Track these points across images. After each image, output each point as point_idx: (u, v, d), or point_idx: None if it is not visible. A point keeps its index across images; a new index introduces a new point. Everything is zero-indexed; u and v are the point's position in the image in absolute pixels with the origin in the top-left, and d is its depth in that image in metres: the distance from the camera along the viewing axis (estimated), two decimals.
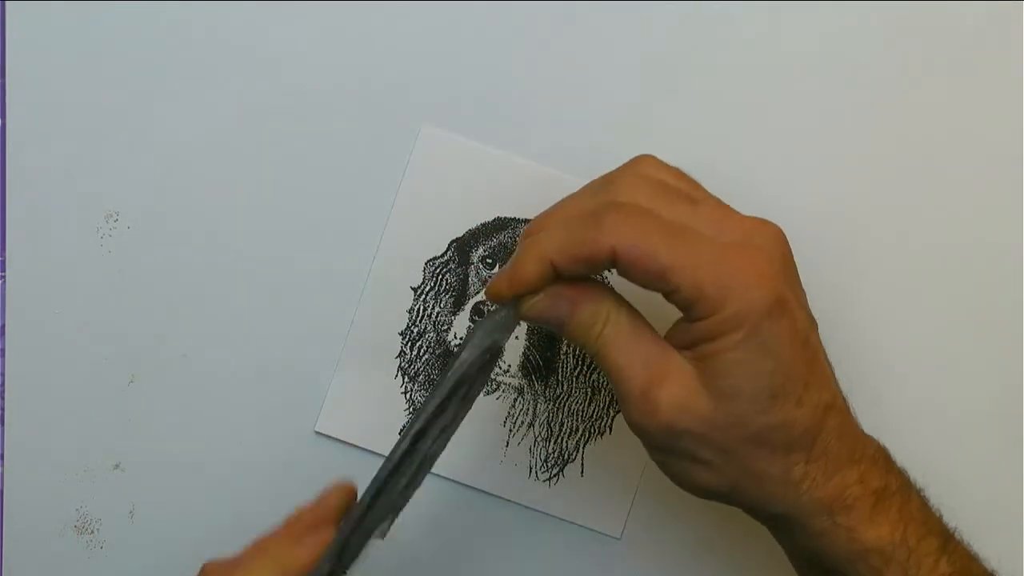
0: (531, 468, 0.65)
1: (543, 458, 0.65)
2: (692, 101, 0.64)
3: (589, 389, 0.65)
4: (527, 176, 0.64)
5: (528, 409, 0.65)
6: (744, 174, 0.64)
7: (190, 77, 0.65)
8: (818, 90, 0.64)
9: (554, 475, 0.65)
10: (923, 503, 0.52)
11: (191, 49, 0.65)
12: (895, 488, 0.51)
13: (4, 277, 0.66)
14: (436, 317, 0.65)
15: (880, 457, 0.52)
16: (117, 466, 0.66)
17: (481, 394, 0.65)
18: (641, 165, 0.52)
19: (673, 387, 0.49)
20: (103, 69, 0.65)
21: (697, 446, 0.49)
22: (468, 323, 0.65)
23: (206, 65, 0.65)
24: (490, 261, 0.65)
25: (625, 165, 0.53)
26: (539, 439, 0.65)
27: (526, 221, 0.65)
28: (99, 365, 0.66)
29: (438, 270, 0.65)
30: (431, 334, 0.65)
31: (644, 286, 0.49)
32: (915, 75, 0.64)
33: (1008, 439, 0.64)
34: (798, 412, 0.49)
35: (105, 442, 0.66)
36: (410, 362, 0.65)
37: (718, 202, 0.52)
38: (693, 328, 0.49)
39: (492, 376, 0.65)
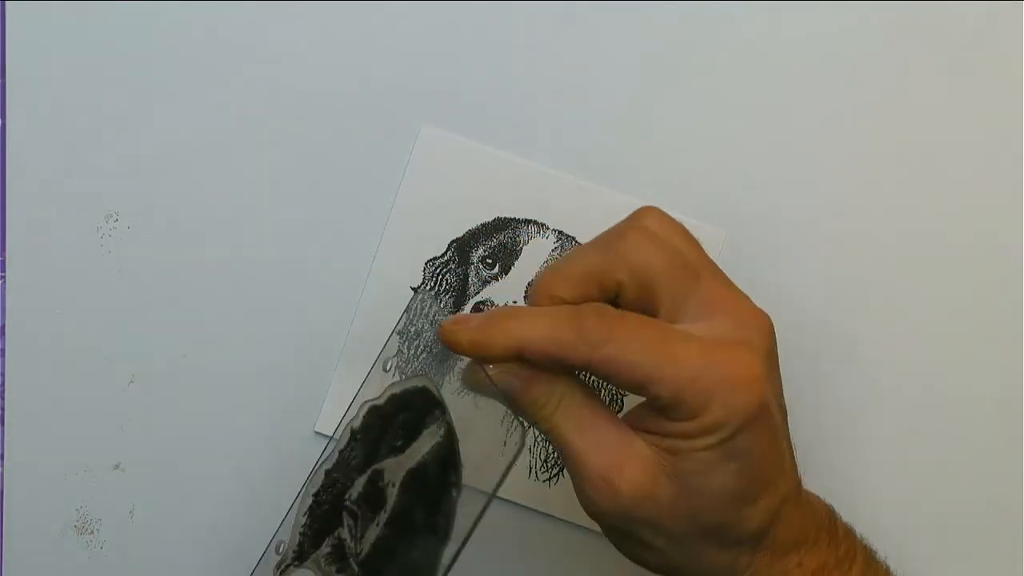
0: (531, 468, 0.65)
1: (543, 458, 0.65)
2: (692, 101, 0.64)
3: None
4: (527, 176, 0.64)
5: None
6: (743, 174, 0.64)
7: (190, 77, 0.65)
8: (818, 90, 0.64)
9: (554, 475, 0.65)
10: (864, 569, 0.53)
11: (191, 49, 0.65)
12: (833, 564, 0.52)
13: (4, 277, 0.66)
14: (435, 317, 0.65)
15: (823, 533, 0.53)
16: (117, 466, 0.66)
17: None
18: (648, 219, 0.52)
19: (635, 473, 0.48)
20: (103, 69, 0.65)
21: (651, 534, 0.49)
22: None
23: (206, 65, 0.65)
24: (490, 261, 0.65)
25: (632, 217, 0.52)
26: (539, 439, 0.65)
27: (526, 221, 0.65)
28: (99, 365, 0.66)
29: (438, 270, 0.65)
30: (429, 334, 0.65)
31: (621, 388, 0.49)
32: (915, 75, 0.64)
33: (1008, 439, 0.64)
34: (755, 511, 0.49)
35: (105, 442, 0.66)
36: (408, 361, 0.65)
37: (716, 274, 0.52)
38: (666, 425, 0.48)
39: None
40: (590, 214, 0.64)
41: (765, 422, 0.48)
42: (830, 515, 0.54)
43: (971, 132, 0.64)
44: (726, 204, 0.64)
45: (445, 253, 0.65)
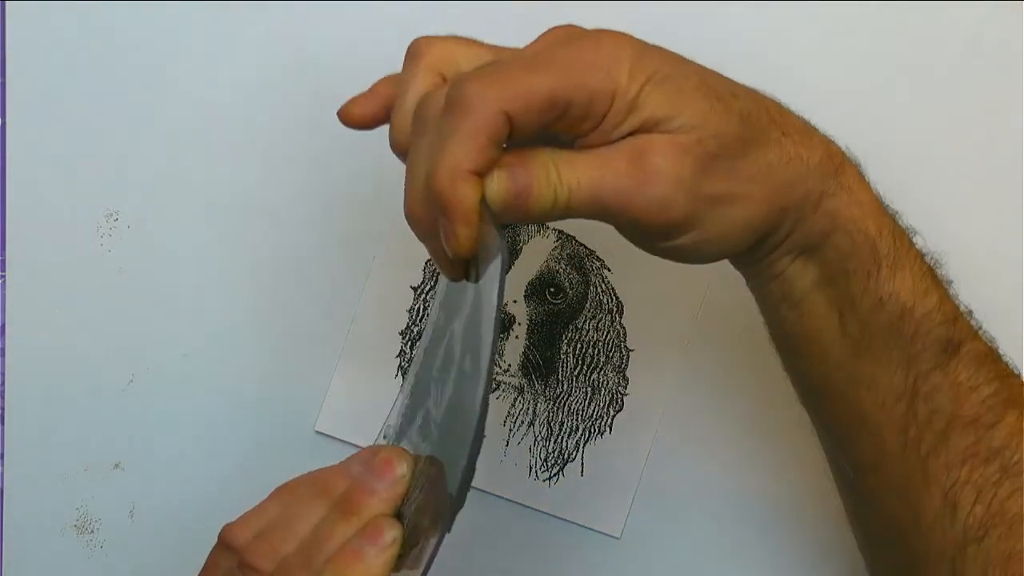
0: (531, 468, 0.65)
1: (543, 458, 0.65)
2: None
3: (589, 388, 0.65)
4: None
5: (528, 408, 0.65)
6: None
7: (190, 77, 0.65)
8: (818, 90, 0.64)
9: (554, 475, 0.65)
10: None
11: (191, 49, 0.65)
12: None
13: (4, 277, 0.66)
14: None
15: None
16: (117, 466, 0.66)
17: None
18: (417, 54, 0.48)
19: (657, 152, 0.45)
20: (103, 69, 0.65)
21: (716, 180, 0.46)
22: None
23: (206, 65, 0.65)
24: None
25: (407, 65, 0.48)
26: (539, 439, 0.65)
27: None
28: (99, 365, 0.66)
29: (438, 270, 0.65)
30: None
31: (547, 127, 0.45)
32: (915, 75, 0.64)
33: None
34: (740, 104, 0.47)
35: (105, 442, 0.66)
36: (410, 361, 0.65)
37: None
38: (610, 133, 0.45)
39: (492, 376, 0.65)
40: None
41: (663, 54, 0.46)
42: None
43: (971, 132, 0.64)
44: None
45: None
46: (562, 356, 0.65)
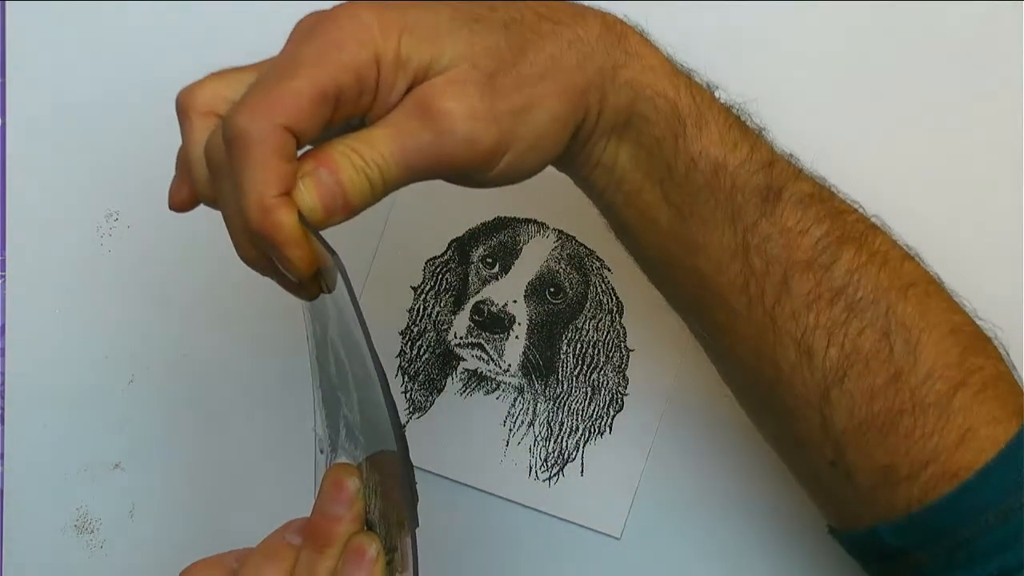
0: (531, 468, 0.65)
1: (543, 458, 0.65)
2: None
3: (589, 389, 0.65)
4: None
5: (528, 409, 0.65)
6: None
7: (190, 77, 0.65)
8: (818, 90, 0.64)
9: (554, 475, 0.65)
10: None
11: (191, 49, 0.65)
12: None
13: (4, 277, 0.66)
14: (436, 316, 0.65)
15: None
16: (117, 466, 0.66)
17: (481, 393, 0.65)
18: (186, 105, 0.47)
19: (439, 96, 0.44)
20: (103, 69, 0.65)
21: (508, 94, 0.45)
22: (468, 322, 0.65)
23: (206, 65, 0.65)
24: (490, 260, 0.65)
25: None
26: (539, 439, 0.65)
27: (526, 220, 0.65)
28: (99, 365, 0.66)
29: (438, 269, 0.65)
30: (431, 333, 0.65)
31: (333, 120, 0.44)
32: (915, 75, 0.64)
33: None
34: (500, 14, 0.46)
35: (105, 442, 0.66)
36: (410, 361, 0.65)
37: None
38: (390, 96, 0.44)
39: (492, 376, 0.65)
40: (590, 214, 0.64)
41: (415, 18, 0.44)
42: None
43: (971, 132, 0.64)
44: None
45: (445, 252, 0.65)
46: (562, 356, 0.65)
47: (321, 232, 0.43)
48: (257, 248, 0.44)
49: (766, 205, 0.50)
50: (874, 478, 0.50)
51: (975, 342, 0.51)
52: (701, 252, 0.50)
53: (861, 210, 0.52)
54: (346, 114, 0.44)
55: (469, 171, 0.46)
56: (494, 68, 0.45)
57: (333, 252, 0.42)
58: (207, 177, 0.45)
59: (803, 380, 0.50)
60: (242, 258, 0.46)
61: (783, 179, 0.50)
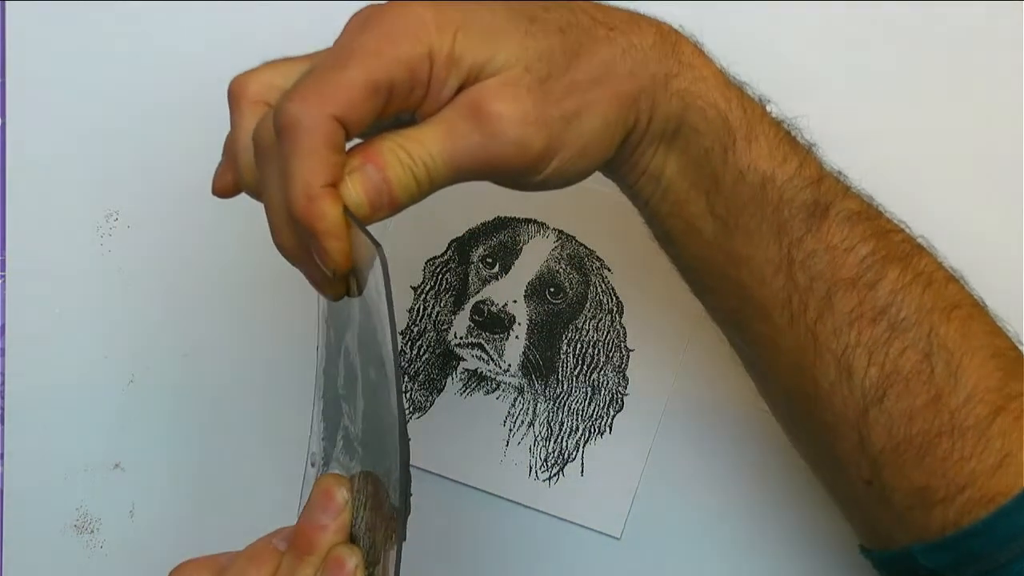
0: (531, 468, 0.65)
1: (543, 458, 0.65)
2: None
3: (589, 388, 0.65)
4: None
5: (528, 409, 0.65)
6: None
7: (190, 77, 0.65)
8: (817, 90, 0.64)
9: (554, 475, 0.65)
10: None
11: (191, 49, 0.65)
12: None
13: (4, 277, 0.66)
14: (436, 316, 0.65)
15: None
16: (117, 466, 0.66)
17: (481, 393, 0.65)
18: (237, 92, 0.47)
19: (492, 98, 0.44)
20: (103, 69, 0.65)
21: (560, 99, 0.45)
22: (468, 322, 0.65)
23: (206, 65, 0.65)
24: (490, 260, 0.65)
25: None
26: (539, 439, 0.65)
27: (526, 220, 0.65)
28: (99, 365, 0.66)
29: (438, 269, 0.65)
30: (431, 333, 0.65)
31: (382, 114, 0.43)
32: (915, 75, 0.64)
33: None
34: (555, 16, 0.46)
35: (105, 442, 0.66)
36: (410, 361, 0.65)
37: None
38: (441, 94, 0.44)
39: (492, 376, 0.65)
40: (590, 214, 0.64)
41: (472, 17, 0.44)
42: None
43: (971, 132, 0.64)
44: None
45: (445, 252, 0.65)
46: (562, 356, 0.65)
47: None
48: (296, 237, 0.44)
49: (812, 221, 0.49)
50: (910, 499, 0.49)
51: (1017, 367, 0.50)
52: (745, 265, 0.50)
53: (908, 230, 0.52)
54: (397, 109, 0.44)
55: (516, 175, 0.46)
56: (547, 72, 0.45)
57: (377, 244, 0.42)
58: (253, 165, 0.45)
59: (842, 398, 0.50)
60: (278, 245, 0.45)
61: (831, 196, 0.50)
